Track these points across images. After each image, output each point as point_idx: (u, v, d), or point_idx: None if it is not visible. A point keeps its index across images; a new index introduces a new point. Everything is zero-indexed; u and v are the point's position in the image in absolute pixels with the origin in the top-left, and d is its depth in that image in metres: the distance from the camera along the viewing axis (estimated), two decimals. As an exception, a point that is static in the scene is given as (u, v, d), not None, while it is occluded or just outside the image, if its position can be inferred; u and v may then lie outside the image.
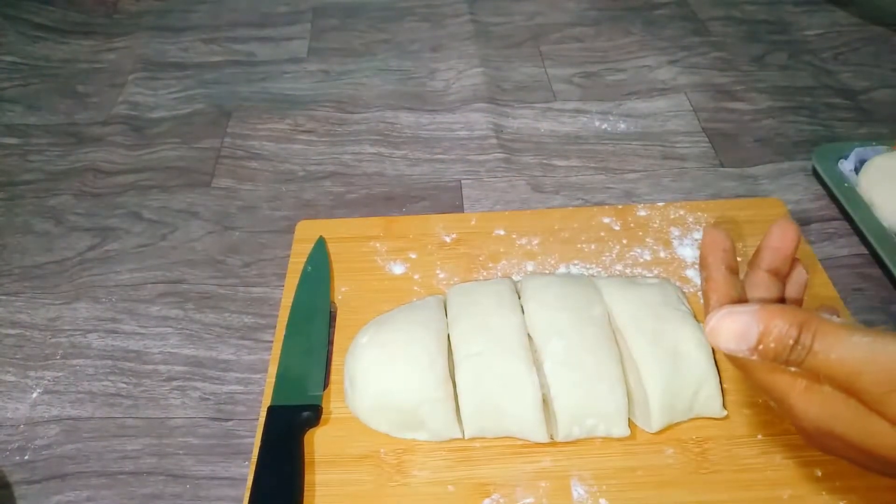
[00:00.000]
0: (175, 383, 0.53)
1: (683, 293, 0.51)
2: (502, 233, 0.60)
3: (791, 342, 0.27)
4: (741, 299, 0.34)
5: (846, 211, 0.61)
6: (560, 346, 0.46)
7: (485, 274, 0.57)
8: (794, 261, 0.37)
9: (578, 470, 0.45)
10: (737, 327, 0.28)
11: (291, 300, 0.55)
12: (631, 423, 0.46)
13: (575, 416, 0.45)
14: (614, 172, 0.69)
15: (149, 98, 0.80)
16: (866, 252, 0.60)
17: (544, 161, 0.70)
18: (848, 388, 0.28)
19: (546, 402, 0.46)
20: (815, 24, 0.88)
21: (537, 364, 0.46)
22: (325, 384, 0.50)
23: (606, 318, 0.48)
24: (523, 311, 0.49)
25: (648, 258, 0.58)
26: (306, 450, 0.46)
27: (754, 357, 0.29)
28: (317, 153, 0.72)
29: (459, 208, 0.66)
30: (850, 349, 0.27)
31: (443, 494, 0.44)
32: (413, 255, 0.58)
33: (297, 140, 0.74)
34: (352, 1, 0.95)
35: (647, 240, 0.59)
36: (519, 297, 0.50)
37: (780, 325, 0.27)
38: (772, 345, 0.28)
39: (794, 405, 0.30)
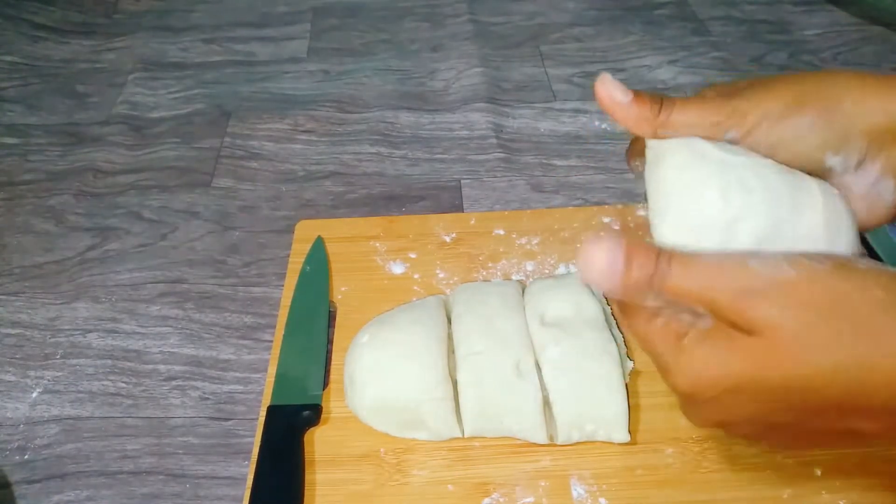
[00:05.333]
0: (175, 383, 0.53)
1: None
2: (502, 232, 0.60)
3: (652, 268, 0.29)
4: None
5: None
6: (558, 350, 0.46)
7: (484, 274, 0.57)
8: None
9: (578, 469, 0.45)
10: (604, 257, 0.30)
11: (291, 300, 0.55)
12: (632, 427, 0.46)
13: (574, 422, 0.45)
14: (614, 172, 0.69)
15: (149, 98, 0.80)
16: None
17: (544, 161, 0.70)
18: (705, 303, 0.29)
19: (547, 403, 0.46)
20: (815, 24, 0.88)
21: (538, 366, 0.46)
22: (325, 384, 0.50)
23: (603, 319, 0.48)
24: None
25: (648, 258, 0.58)
26: (306, 449, 0.46)
27: (622, 291, 0.30)
28: (317, 153, 0.72)
29: (459, 208, 0.66)
30: (702, 265, 0.29)
31: (443, 493, 0.44)
32: (413, 255, 0.58)
33: (297, 140, 0.74)
34: (352, 1, 0.95)
35: (647, 240, 0.59)
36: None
37: (641, 254, 0.30)
38: (634, 273, 0.29)
39: (670, 359, 0.30)
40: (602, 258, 0.29)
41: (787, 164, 0.33)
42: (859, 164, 0.33)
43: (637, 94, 0.34)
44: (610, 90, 0.34)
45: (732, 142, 0.34)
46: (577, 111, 0.76)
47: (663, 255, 0.30)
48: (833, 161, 0.33)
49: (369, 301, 0.55)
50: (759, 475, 0.44)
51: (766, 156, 0.33)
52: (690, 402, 0.31)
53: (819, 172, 0.34)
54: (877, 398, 0.27)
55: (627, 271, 0.29)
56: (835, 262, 0.28)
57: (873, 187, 0.34)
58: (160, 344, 0.55)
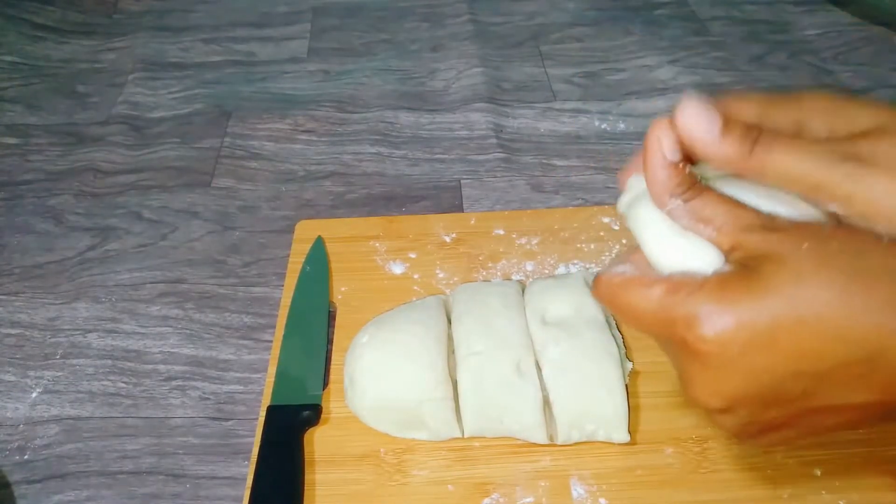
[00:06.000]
0: (175, 383, 0.53)
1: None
2: (502, 232, 0.60)
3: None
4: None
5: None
6: (558, 350, 0.46)
7: (484, 274, 0.57)
8: None
9: (578, 469, 0.45)
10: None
11: (291, 300, 0.55)
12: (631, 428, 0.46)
13: (574, 422, 0.45)
14: (614, 172, 0.69)
15: (149, 98, 0.80)
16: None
17: (544, 161, 0.70)
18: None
19: (547, 403, 0.46)
20: (815, 24, 0.88)
21: (538, 366, 0.46)
22: (325, 384, 0.50)
23: (603, 319, 0.48)
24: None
25: (648, 258, 0.58)
26: (306, 449, 0.46)
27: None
28: (317, 153, 0.72)
29: (459, 208, 0.66)
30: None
31: (442, 494, 0.44)
32: (413, 255, 0.58)
33: (297, 140, 0.74)
34: (352, 1, 0.95)
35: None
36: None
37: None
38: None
39: (698, 348, 0.27)
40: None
41: None
42: None
43: (728, 124, 0.28)
44: (694, 122, 0.28)
45: (828, 216, 0.28)
46: (577, 111, 0.76)
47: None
48: None
49: (369, 301, 0.55)
50: (759, 475, 0.44)
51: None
52: (716, 373, 0.27)
53: None
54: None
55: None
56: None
57: None
58: (160, 344, 0.55)
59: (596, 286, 0.31)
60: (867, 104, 0.29)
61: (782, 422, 0.29)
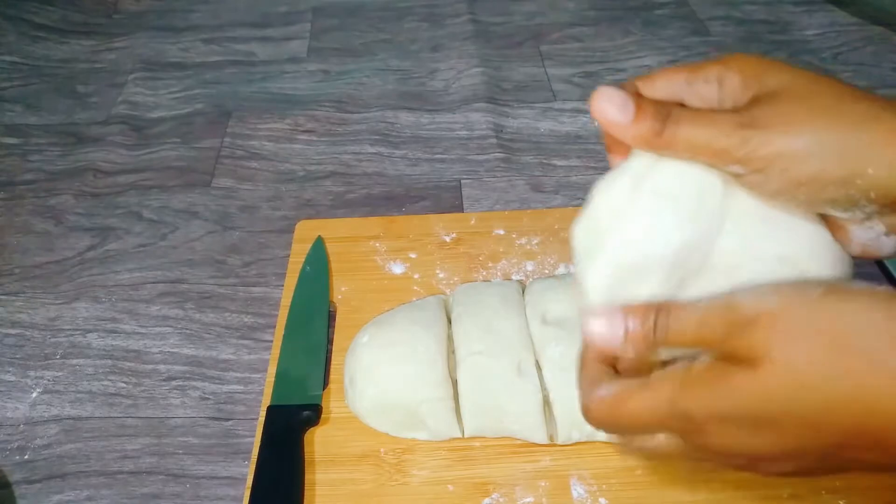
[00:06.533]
0: (175, 383, 0.53)
1: None
2: (502, 232, 0.60)
3: (651, 323, 0.30)
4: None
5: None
6: (559, 350, 0.46)
7: (484, 274, 0.57)
8: None
9: (578, 469, 0.45)
10: (606, 321, 0.31)
11: (291, 300, 0.55)
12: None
13: (574, 421, 0.45)
14: (614, 172, 0.69)
15: (149, 98, 0.80)
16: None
17: (544, 161, 0.70)
18: (703, 343, 0.29)
19: (547, 403, 0.46)
20: (815, 24, 0.88)
21: (539, 366, 0.46)
22: (325, 384, 0.50)
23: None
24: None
25: (648, 258, 0.58)
26: (306, 449, 0.46)
27: (629, 349, 0.30)
28: (317, 153, 0.72)
29: (459, 208, 0.66)
30: (693, 308, 0.29)
31: (442, 494, 0.44)
32: (413, 255, 0.58)
33: (297, 140, 0.74)
34: (352, 1, 0.95)
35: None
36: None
37: (639, 311, 0.30)
38: (638, 328, 0.30)
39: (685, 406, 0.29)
40: (604, 321, 0.31)
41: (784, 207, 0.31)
42: (865, 220, 0.31)
43: (640, 106, 0.30)
44: (607, 107, 0.31)
45: (735, 176, 0.30)
46: (577, 111, 0.76)
47: (661, 308, 0.30)
48: (841, 216, 0.31)
49: (369, 301, 0.55)
50: (760, 475, 0.44)
51: (767, 199, 0.31)
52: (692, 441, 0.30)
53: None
54: (890, 432, 0.25)
55: (632, 330, 0.30)
56: (827, 287, 0.27)
57: (873, 241, 0.31)
58: (160, 344, 0.55)
59: (589, 413, 0.32)
60: (780, 67, 0.30)
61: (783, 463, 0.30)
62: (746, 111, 0.29)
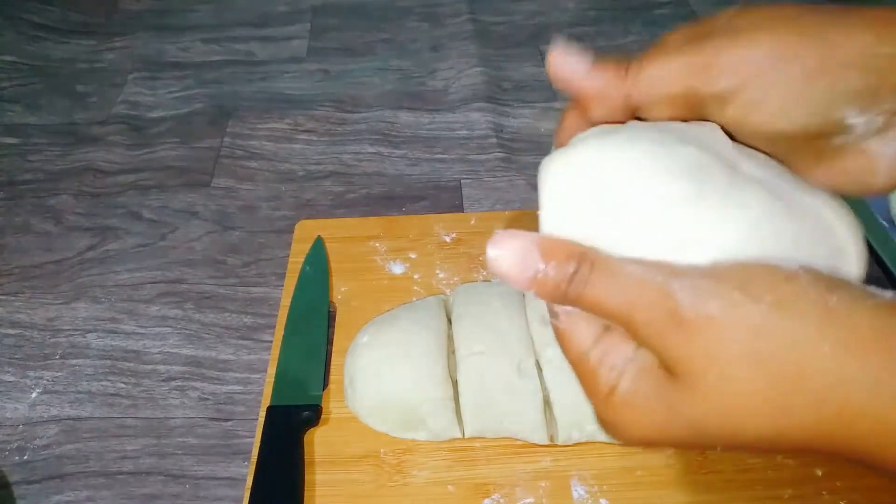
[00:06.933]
0: (174, 383, 0.53)
1: None
2: (502, 232, 0.60)
3: (571, 271, 0.25)
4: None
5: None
6: (559, 350, 0.46)
7: (485, 274, 0.57)
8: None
9: (578, 470, 0.45)
10: (518, 252, 0.25)
11: (291, 300, 0.55)
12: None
13: (575, 422, 0.45)
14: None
15: (148, 98, 0.80)
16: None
17: (544, 161, 0.70)
18: (623, 324, 0.25)
19: (547, 403, 0.46)
20: (815, 23, 0.88)
21: (539, 366, 0.46)
22: (325, 384, 0.50)
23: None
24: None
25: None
26: (306, 450, 0.46)
27: (534, 290, 0.26)
28: (317, 153, 0.72)
29: (459, 208, 0.65)
30: (626, 277, 0.24)
31: (443, 494, 0.44)
32: (413, 255, 0.58)
33: (297, 140, 0.74)
34: (352, 1, 0.95)
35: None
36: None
37: (560, 252, 0.25)
38: (551, 272, 0.25)
39: (599, 409, 0.27)
40: (515, 250, 0.25)
41: (790, 135, 0.26)
42: (886, 127, 0.26)
43: (599, 59, 0.28)
44: (563, 63, 0.28)
45: (724, 103, 0.27)
46: (578, 111, 0.76)
47: (586, 257, 0.25)
48: (855, 120, 0.26)
49: (369, 301, 0.55)
50: (760, 475, 0.44)
51: (762, 124, 0.27)
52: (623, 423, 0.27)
53: (835, 138, 0.26)
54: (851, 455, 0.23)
55: (545, 270, 0.25)
56: (775, 299, 0.23)
57: None
58: (160, 344, 0.55)
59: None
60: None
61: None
62: (707, 30, 0.28)
